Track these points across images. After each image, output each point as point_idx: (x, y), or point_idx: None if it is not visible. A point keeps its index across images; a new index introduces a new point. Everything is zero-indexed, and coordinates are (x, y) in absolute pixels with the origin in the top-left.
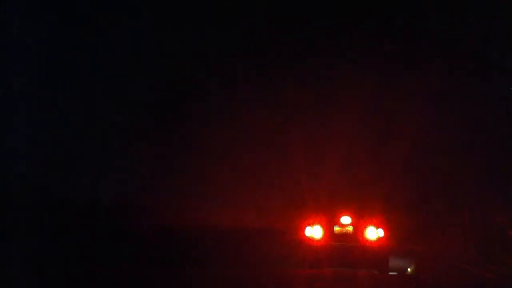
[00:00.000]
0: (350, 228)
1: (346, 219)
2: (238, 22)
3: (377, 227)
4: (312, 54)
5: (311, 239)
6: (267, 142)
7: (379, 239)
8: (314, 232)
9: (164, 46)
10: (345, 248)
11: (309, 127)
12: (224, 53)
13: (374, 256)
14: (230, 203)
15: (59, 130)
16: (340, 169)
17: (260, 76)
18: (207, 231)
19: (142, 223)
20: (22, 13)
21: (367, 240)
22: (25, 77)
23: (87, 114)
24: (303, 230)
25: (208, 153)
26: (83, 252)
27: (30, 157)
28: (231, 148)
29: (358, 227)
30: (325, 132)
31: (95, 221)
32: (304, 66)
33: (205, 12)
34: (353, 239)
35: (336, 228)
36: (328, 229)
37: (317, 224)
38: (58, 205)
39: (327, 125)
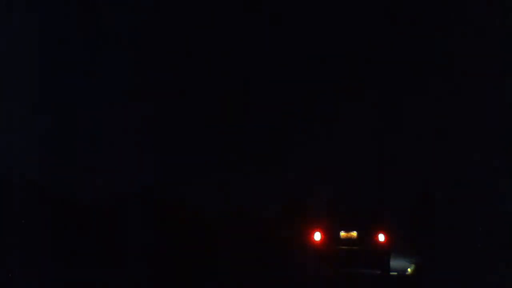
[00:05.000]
0: (354, 233)
1: (350, 225)
2: None
3: (379, 232)
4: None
5: (319, 243)
6: (277, 146)
7: (381, 242)
8: (322, 236)
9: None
10: (350, 251)
11: (315, 133)
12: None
13: (376, 258)
14: (238, 207)
15: (60, 129)
16: (345, 177)
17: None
18: (214, 234)
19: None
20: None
21: (369, 244)
22: (25, 74)
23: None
24: (313, 235)
25: (212, 154)
26: (83, 252)
27: (30, 156)
28: (240, 147)
29: (362, 232)
30: (332, 139)
31: (96, 221)
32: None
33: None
34: (357, 243)
35: (342, 233)
36: (335, 234)
37: (325, 230)
38: (58, 205)
39: (332, 130)
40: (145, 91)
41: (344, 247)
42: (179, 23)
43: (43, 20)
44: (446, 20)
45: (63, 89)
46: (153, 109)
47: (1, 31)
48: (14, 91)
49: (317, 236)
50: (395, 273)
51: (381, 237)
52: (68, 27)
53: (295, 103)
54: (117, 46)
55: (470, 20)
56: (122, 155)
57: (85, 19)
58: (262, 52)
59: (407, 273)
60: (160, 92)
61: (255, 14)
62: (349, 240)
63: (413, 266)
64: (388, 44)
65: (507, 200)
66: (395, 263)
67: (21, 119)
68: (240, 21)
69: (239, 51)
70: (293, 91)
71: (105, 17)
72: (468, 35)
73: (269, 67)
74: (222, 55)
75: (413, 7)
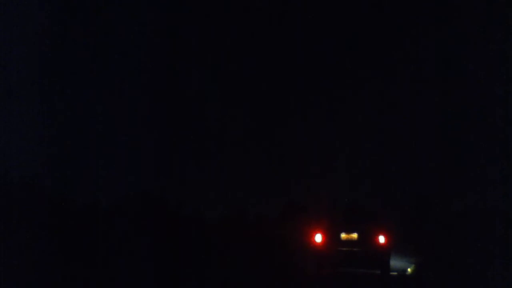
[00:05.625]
0: (355, 235)
1: (351, 227)
2: None
3: (379, 234)
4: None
5: (320, 245)
6: (279, 148)
7: (381, 244)
8: (323, 238)
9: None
10: (350, 252)
11: (315, 133)
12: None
13: (376, 259)
14: (238, 207)
15: (60, 128)
16: (345, 177)
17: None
18: (213, 235)
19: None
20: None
21: (369, 245)
22: (25, 74)
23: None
24: (314, 236)
25: (212, 154)
26: (83, 252)
27: (30, 156)
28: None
29: (362, 233)
30: (332, 138)
31: (96, 222)
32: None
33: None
34: (358, 244)
35: (343, 235)
36: (336, 235)
37: (326, 231)
38: (58, 205)
39: (332, 129)
40: (145, 91)
41: (344, 248)
42: (179, 23)
43: (43, 20)
44: (446, 20)
45: (63, 89)
46: (153, 110)
47: (1, 31)
48: (14, 91)
49: (318, 237)
50: (395, 273)
51: (382, 239)
52: (68, 27)
53: (295, 102)
54: (117, 46)
55: (470, 20)
56: (122, 155)
57: (85, 19)
58: (262, 52)
59: (407, 273)
60: (160, 92)
61: (255, 14)
62: (349, 241)
63: (413, 266)
64: (388, 44)
65: (507, 200)
66: (395, 263)
67: (21, 119)
68: (240, 21)
69: (239, 51)
70: (292, 90)
71: (105, 17)
72: (468, 35)
73: (269, 67)
74: (223, 55)
75: (413, 7)
